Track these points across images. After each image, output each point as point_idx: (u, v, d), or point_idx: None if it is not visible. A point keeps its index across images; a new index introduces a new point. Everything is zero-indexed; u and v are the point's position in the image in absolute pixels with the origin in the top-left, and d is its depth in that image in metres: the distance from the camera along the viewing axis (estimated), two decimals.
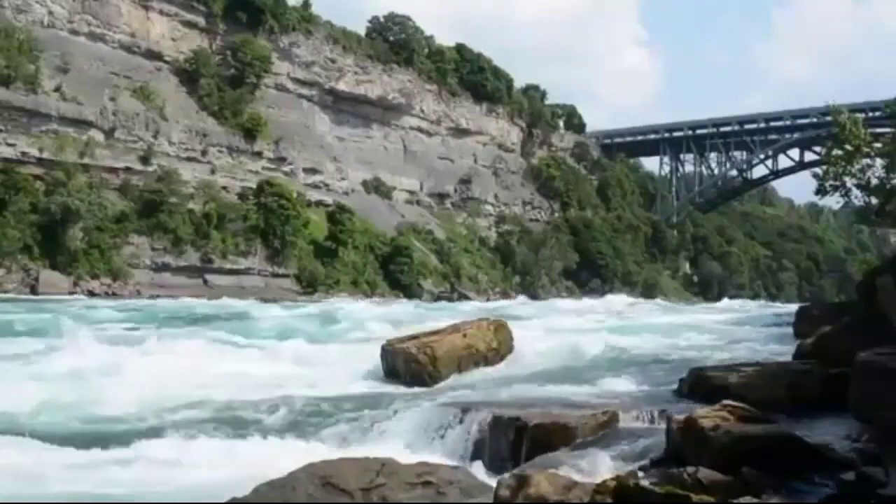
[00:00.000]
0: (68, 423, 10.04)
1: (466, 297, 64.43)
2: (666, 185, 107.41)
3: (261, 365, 15.03)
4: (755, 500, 5.50)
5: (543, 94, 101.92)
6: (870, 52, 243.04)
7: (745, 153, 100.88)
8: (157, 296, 45.42)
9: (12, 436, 8.97)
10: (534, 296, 70.41)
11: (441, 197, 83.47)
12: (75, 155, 49.91)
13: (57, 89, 51.46)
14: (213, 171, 59.70)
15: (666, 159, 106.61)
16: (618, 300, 54.68)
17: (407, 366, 12.91)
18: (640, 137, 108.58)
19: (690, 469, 5.83)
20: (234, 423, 9.97)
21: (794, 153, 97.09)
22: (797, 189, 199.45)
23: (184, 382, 12.59)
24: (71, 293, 42.65)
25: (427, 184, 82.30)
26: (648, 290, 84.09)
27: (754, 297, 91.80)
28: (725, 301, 66.95)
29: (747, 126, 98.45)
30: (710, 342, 18.75)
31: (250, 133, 63.80)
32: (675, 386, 10.83)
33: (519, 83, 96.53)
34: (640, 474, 6.14)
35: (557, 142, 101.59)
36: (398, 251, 66.96)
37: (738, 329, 24.52)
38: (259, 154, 64.34)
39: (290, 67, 70.57)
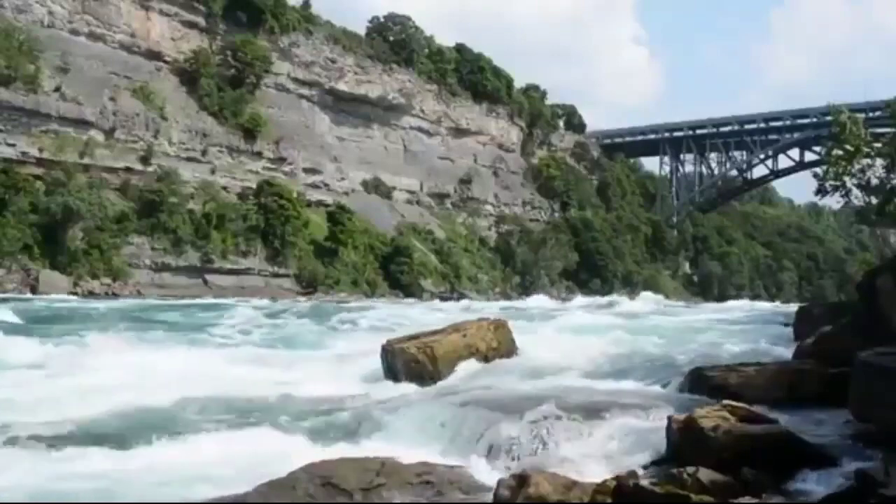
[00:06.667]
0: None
1: (466, 297, 64.41)
2: (666, 185, 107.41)
3: (261, 364, 15.04)
4: (755, 500, 5.50)
5: (543, 94, 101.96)
6: (869, 52, 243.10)
7: (745, 153, 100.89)
8: (159, 296, 45.42)
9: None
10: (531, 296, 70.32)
11: (441, 197, 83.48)
12: (75, 155, 49.93)
13: (57, 89, 51.47)
14: (213, 171, 59.74)
15: (666, 159, 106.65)
16: (653, 297, 59.86)
17: (407, 366, 12.90)
18: (640, 137, 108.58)
19: (690, 469, 5.83)
20: (234, 422, 9.97)
21: (794, 153, 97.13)
22: (797, 189, 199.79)
23: (186, 381, 12.61)
24: (71, 293, 42.62)
25: (427, 184, 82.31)
26: (648, 290, 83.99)
27: (754, 297, 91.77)
28: (734, 302, 67.04)
29: (747, 126, 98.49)
30: (710, 342, 18.73)
31: (250, 133, 63.83)
32: (675, 385, 10.83)
33: (519, 83, 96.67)
34: (640, 474, 6.14)
35: (557, 142, 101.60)
36: (398, 251, 67.01)
37: (739, 329, 24.51)
38: (259, 154, 64.37)
39: (290, 67, 70.60)
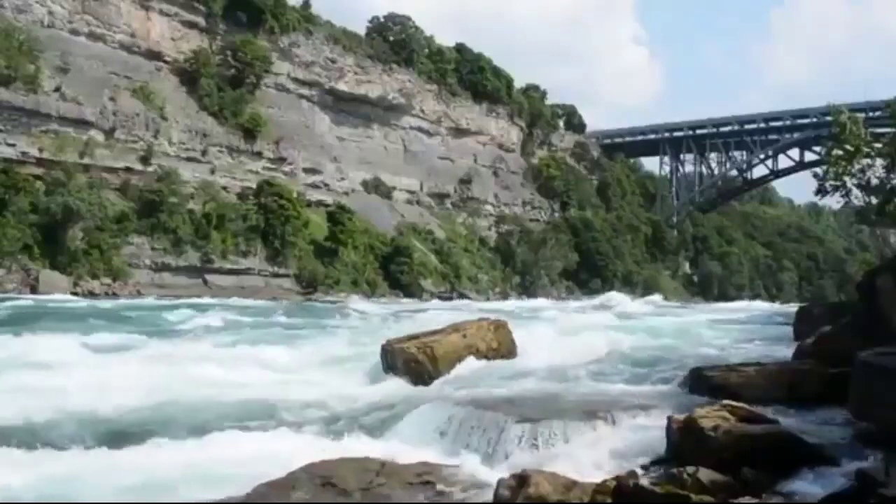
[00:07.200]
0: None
1: (467, 297, 64.48)
2: (666, 185, 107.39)
3: (262, 366, 15.03)
4: (755, 500, 5.51)
5: (543, 94, 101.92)
6: (869, 52, 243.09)
7: (745, 153, 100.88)
8: (159, 296, 45.36)
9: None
10: (533, 296, 70.39)
11: (441, 197, 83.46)
12: (75, 155, 49.87)
13: (57, 89, 51.43)
14: (213, 171, 59.68)
15: (666, 159, 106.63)
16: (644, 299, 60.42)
17: (407, 366, 12.90)
18: (640, 137, 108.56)
19: (690, 469, 5.84)
20: (234, 422, 9.96)
21: (794, 153, 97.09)
22: (797, 189, 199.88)
23: (188, 382, 12.62)
24: (71, 293, 42.62)
25: (427, 184, 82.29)
26: (648, 291, 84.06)
27: (754, 297, 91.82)
28: (733, 303, 67.06)
29: (747, 126, 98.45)
30: (711, 342, 18.74)
31: (250, 133, 63.79)
32: (675, 386, 10.83)
33: (519, 83, 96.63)
34: (640, 474, 6.14)
35: (557, 142, 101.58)
36: (398, 251, 66.98)
37: (739, 329, 24.53)
38: (259, 154, 64.34)
39: (290, 67, 70.56)
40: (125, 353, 16.07)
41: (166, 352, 16.23)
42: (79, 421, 9.94)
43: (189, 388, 12.02)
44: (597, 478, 6.00)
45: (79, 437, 9.28)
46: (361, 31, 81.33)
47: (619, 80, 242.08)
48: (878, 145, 23.75)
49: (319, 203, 67.55)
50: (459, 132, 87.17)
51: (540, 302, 53.67)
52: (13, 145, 47.49)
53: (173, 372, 13.51)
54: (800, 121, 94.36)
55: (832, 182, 23.72)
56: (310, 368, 14.86)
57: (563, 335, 18.25)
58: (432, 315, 24.92)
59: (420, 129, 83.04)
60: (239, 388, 12.31)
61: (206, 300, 42.25)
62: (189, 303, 35.10)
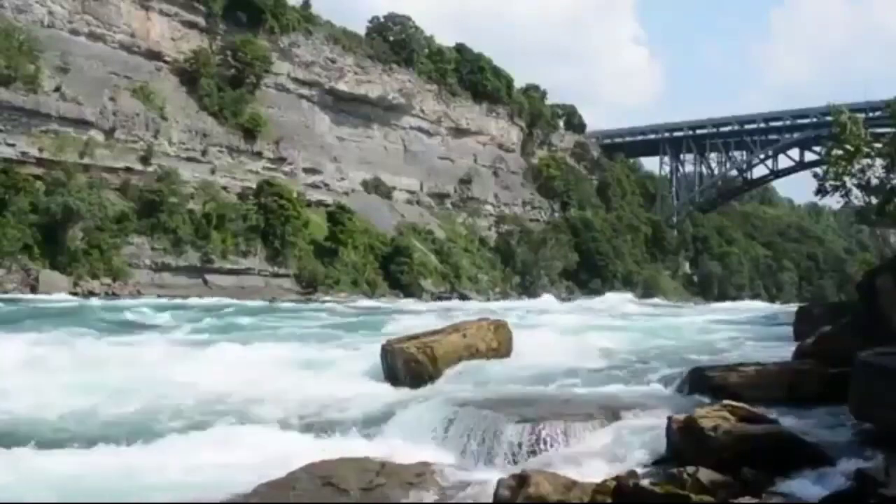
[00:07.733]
0: None
1: (467, 297, 64.47)
2: (666, 185, 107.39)
3: (262, 365, 15.00)
4: (755, 500, 5.50)
5: (543, 94, 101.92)
6: (869, 52, 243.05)
7: (745, 153, 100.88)
8: (159, 296, 45.34)
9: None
10: (534, 296, 70.38)
11: (441, 197, 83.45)
12: (75, 155, 49.88)
13: (57, 89, 51.44)
14: (213, 171, 59.69)
15: (666, 159, 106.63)
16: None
17: (407, 366, 12.88)
18: (640, 137, 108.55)
19: (690, 469, 5.84)
20: (234, 422, 9.95)
21: (794, 153, 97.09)
22: (797, 189, 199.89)
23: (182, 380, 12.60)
24: (71, 293, 42.62)
25: (427, 184, 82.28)
26: (648, 291, 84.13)
27: (754, 297, 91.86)
28: (731, 303, 67.02)
29: (747, 126, 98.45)
30: (710, 342, 18.74)
31: (250, 133, 63.80)
32: (675, 386, 10.83)
33: (519, 83, 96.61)
34: (640, 474, 6.14)
35: (557, 142, 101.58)
36: (398, 251, 66.99)
37: (739, 329, 24.53)
38: (259, 154, 64.34)
39: (290, 67, 70.57)
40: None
41: (99, 351, 15.93)
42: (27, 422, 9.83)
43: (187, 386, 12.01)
44: (597, 478, 6.00)
45: (31, 439, 8.89)
46: (361, 31, 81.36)
47: (619, 80, 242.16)
48: (878, 145, 23.75)
49: (319, 203, 67.55)
50: (459, 132, 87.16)
51: (531, 303, 53.51)
52: (13, 145, 47.50)
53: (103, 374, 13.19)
54: (800, 121, 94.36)
55: (832, 182, 23.73)
56: (309, 369, 14.82)
57: (564, 335, 18.27)
58: (410, 319, 24.62)
59: (420, 129, 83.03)
60: (237, 388, 12.26)
61: (205, 300, 42.28)
62: (150, 303, 34.66)
